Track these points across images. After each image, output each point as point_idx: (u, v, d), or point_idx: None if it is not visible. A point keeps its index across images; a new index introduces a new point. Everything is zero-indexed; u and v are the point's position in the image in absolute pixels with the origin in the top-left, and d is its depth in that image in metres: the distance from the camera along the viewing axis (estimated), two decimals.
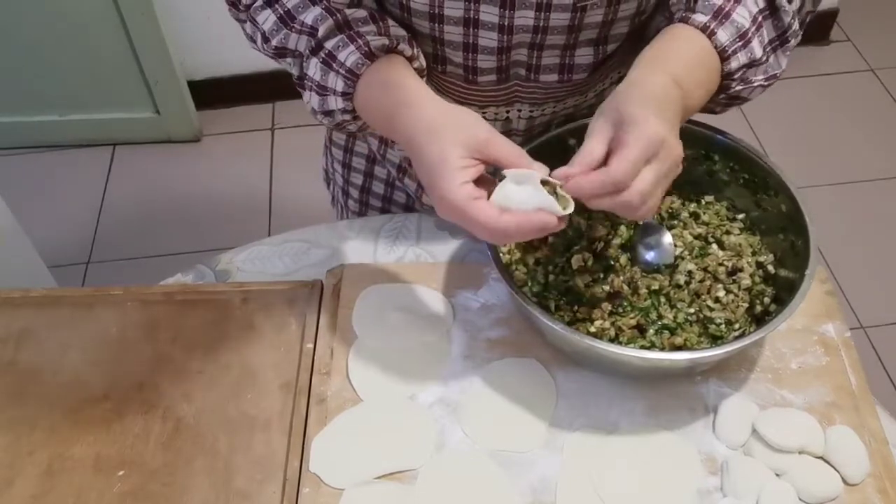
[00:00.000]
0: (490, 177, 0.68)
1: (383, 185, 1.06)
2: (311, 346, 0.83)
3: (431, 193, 0.67)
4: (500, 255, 0.81)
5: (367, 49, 0.73)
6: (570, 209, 0.65)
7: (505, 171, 0.66)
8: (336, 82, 0.74)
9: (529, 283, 0.82)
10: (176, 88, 2.33)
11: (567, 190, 0.64)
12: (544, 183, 0.65)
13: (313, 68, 0.76)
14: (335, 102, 0.76)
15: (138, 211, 2.26)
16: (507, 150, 0.66)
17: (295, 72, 0.79)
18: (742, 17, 0.73)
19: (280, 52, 0.78)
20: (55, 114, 2.37)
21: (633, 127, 0.64)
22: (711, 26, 0.72)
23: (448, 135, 0.66)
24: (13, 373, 0.83)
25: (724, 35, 0.72)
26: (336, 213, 1.18)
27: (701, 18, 0.72)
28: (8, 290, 0.90)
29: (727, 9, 0.72)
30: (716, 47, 0.72)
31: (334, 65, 0.74)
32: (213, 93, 2.44)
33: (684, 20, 0.73)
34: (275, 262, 0.94)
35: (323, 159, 1.15)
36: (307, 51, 0.76)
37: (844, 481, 0.72)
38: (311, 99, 0.78)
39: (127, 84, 2.31)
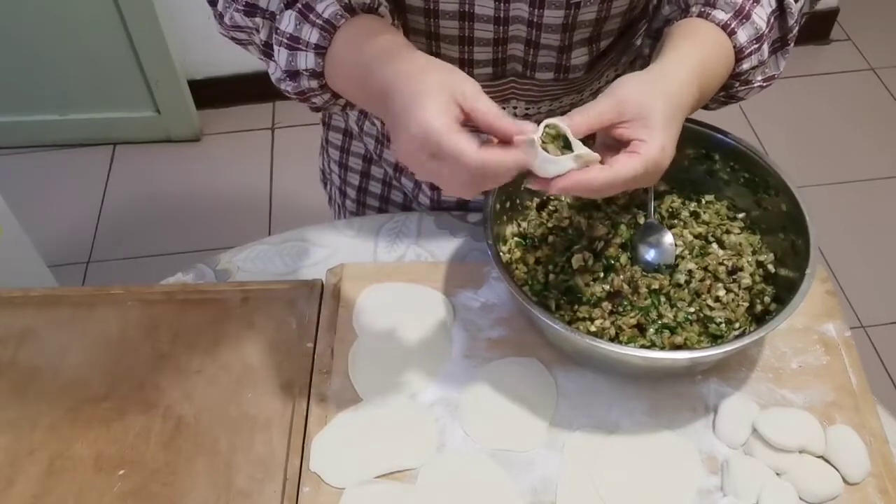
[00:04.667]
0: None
1: (380, 185, 1.06)
2: (311, 345, 0.83)
3: (404, 126, 0.61)
4: (501, 254, 0.81)
5: (347, 2, 0.69)
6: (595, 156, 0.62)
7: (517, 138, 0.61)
8: (311, 34, 0.69)
9: (530, 283, 0.82)
10: (176, 88, 2.33)
11: (562, 186, 0.61)
12: (555, 138, 0.62)
13: (286, 21, 0.70)
14: (305, 60, 0.70)
15: (138, 211, 2.27)
16: (488, 107, 0.61)
17: (262, 36, 0.74)
18: (760, 18, 0.72)
19: (250, 11, 0.73)
20: (55, 113, 2.37)
21: (649, 140, 0.63)
22: (732, 25, 0.71)
23: (434, 74, 0.62)
24: (14, 372, 0.83)
25: (743, 35, 0.71)
26: (333, 214, 1.18)
27: (722, 16, 0.71)
28: (8, 289, 0.90)
29: (748, 8, 0.71)
30: (734, 47, 0.71)
31: (311, 16, 0.70)
32: (213, 92, 2.44)
33: (703, 15, 0.72)
34: (275, 261, 0.94)
35: (319, 159, 1.15)
36: (281, 4, 0.71)
37: (845, 481, 0.72)
38: (279, 57, 0.72)
39: (127, 84, 2.31)
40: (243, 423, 0.78)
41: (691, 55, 0.69)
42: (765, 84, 0.77)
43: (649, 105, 0.64)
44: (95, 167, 2.38)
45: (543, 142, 0.61)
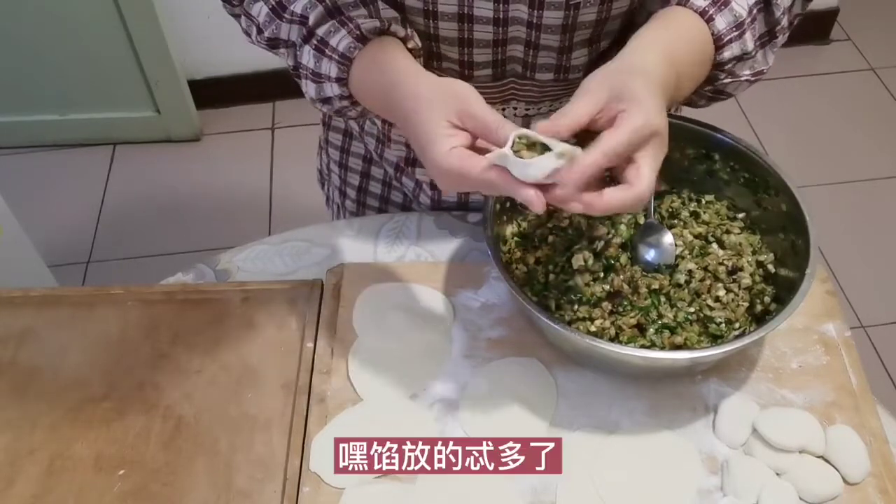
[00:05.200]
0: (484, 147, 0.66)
1: (380, 185, 1.06)
2: (311, 345, 0.83)
3: (427, 166, 0.67)
4: (501, 254, 0.81)
5: (358, 32, 0.73)
6: (567, 150, 0.62)
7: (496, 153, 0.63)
8: (330, 68, 0.74)
9: (530, 283, 0.82)
10: (176, 88, 2.33)
11: (560, 180, 0.61)
12: (532, 146, 0.63)
13: (306, 56, 0.75)
14: (331, 89, 0.75)
15: (138, 211, 2.27)
16: (484, 121, 0.64)
17: (290, 62, 0.78)
18: (740, 6, 0.72)
19: (273, 44, 0.78)
20: (55, 114, 2.37)
21: (631, 107, 0.62)
22: (710, 11, 0.71)
23: (432, 105, 0.66)
24: (14, 372, 0.83)
25: (721, 22, 0.71)
26: (331, 214, 1.18)
27: (700, 2, 0.72)
28: (8, 290, 0.90)
29: None
30: (712, 34, 0.71)
31: (327, 51, 0.74)
32: (213, 92, 2.44)
33: (682, 3, 0.72)
34: (275, 261, 0.94)
35: (317, 160, 1.15)
36: (299, 39, 0.76)
37: (845, 481, 0.72)
38: (307, 88, 0.78)
39: (127, 84, 2.31)
40: (243, 423, 0.78)
41: (660, 36, 0.70)
42: (753, 79, 0.77)
43: (624, 82, 0.64)
44: (95, 167, 2.38)
45: (517, 151, 0.62)
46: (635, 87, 0.63)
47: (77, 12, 2.12)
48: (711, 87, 0.76)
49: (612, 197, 0.62)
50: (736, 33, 0.72)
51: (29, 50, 2.20)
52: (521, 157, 0.61)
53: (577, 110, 0.64)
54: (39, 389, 0.81)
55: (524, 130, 0.62)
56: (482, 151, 0.65)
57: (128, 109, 2.38)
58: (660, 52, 0.68)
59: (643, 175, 0.63)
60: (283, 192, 2.28)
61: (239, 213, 2.24)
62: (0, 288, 0.91)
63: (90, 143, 2.42)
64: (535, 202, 0.61)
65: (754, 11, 0.74)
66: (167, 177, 2.36)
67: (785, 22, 0.76)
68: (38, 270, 1.66)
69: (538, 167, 0.61)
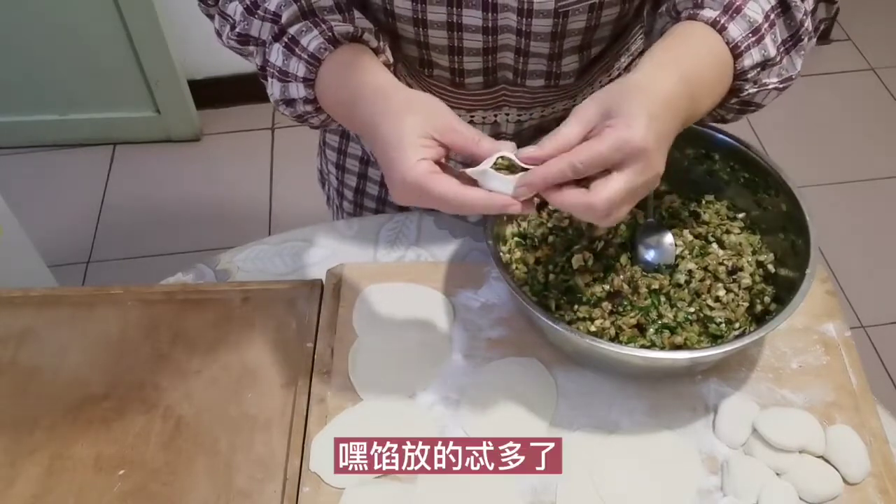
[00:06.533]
0: (450, 166, 0.66)
1: (377, 186, 1.06)
2: (311, 345, 0.83)
3: (389, 175, 0.65)
4: (501, 254, 0.81)
5: (330, 34, 0.72)
6: None
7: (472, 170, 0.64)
8: (298, 67, 0.73)
9: (530, 283, 0.82)
10: (176, 88, 2.33)
11: (522, 184, 0.62)
12: (511, 168, 0.63)
13: (275, 54, 0.74)
14: (296, 90, 0.74)
15: (138, 211, 2.27)
16: (465, 136, 0.64)
17: (258, 61, 0.77)
18: (754, 11, 0.70)
19: (243, 40, 0.77)
20: (55, 114, 2.37)
21: (617, 122, 0.60)
22: (722, 21, 0.69)
23: (408, 116, 0.65)
24: (13, 372, 0.83)
25: (735, 30, 0.69)
26: (332, 214, 1.18)
27: (710, 14, 0.69)
28: (8, 290, 0.90)
29: (738, 3, 0.69)
30: (727, 43, 0.69)
31: (297, 50, 0.73)
32: (213, 92, 2.44)
33: (692, 17, 0.70)
34: (275, 261, 0.94)
35: (317, 160, 1.15)
36: (270, 37, 0.75)
37: (845, 481, 0.72)
38: (273, 87, 0.76)
39: (127, 84, 2.31)
40: (243, 423, 0.78)
41: (671, 53, 0.68)
42: (781, 86, 0.74)
43: (619, 100, 0.61)
44: (95, 167, 2.38)
45: (498, 169, 0.63)
46: (628, 104, 0.61)
47: (77, 13, 2.12)
48: (737, 98, 0.72)
49: (566, 195, 0.61)
50: (753, 39, 0.69)
51: (29, 50, 2.20)
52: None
53: (564, 134, 0.62)
54: (39, 389, 0.81)
55: (506, 152, 0.63)
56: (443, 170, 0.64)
57: (128, 109, 2.38)
58: (670, 69, 0.65)
59: (607, 187, 0.59)
60: (283, 192, 2.29)
61: (239, 213, 2.24)
62: (0, 288, 0.91)
63: (90, 143, 2.42)
64: (515, 205, 0.62)
65: (772, 16, 0.71)
66: (167, 177, 2.36)
67: (808, 22, 0.73)
68: (38, 270, 1.66)
69: (510, 185, 0.62)
